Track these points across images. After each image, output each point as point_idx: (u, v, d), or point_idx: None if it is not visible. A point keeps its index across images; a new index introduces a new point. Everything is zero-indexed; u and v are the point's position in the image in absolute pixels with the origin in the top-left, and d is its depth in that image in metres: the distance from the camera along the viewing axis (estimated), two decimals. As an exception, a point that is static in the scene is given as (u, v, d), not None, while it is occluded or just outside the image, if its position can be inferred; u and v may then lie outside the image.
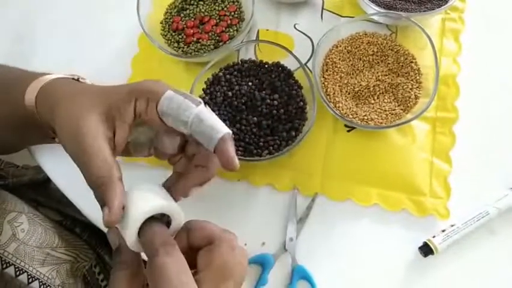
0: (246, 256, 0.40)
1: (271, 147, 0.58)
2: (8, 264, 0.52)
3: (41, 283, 0.54)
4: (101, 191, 0.38)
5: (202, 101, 0.41)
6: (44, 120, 0.45)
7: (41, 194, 0.68)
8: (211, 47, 0.65)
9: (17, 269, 0.52)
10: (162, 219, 0.39)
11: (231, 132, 0.41)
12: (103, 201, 0.38)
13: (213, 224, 0.40)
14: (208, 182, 0.44)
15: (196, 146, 0.44)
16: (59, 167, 0.63)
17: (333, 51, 0.63)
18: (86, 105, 0.41)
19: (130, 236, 0.37)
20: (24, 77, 0.48)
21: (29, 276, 0.53)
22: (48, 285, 0.54)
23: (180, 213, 0.40)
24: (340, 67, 0.62)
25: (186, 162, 0.45)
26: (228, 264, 0.37)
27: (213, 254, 0.37)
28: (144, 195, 0.39)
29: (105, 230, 0.60)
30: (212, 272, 0.37)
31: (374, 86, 0.61)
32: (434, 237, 0.55)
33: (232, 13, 0.67)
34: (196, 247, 0.39)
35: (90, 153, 0.39)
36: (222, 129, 0.40)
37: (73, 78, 0.50)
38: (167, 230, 0.39)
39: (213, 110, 0.59)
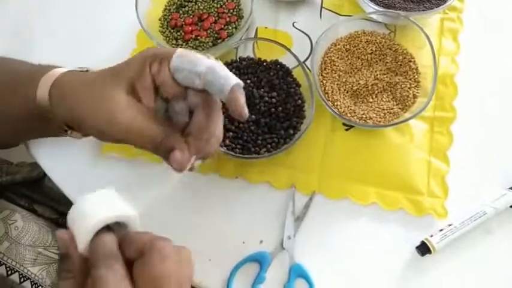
0: (187, 256, 0.38)
1: (269, 145, 0.58)
2: None
3: (32, 283, 0.53)
4: (164, 146, 0.41)
5: (211, 56, 0.42)
6: (60, 114, 0.45)
7: (36, 192, 0.68)
8: (210, 44, 0.65)
9: (8, 269, 0.52)
10: (120, 225, 0.38)
11: (242, 82, 0.42)
12: (168, 151, 0.41)
13: (145, 233, 0.38)
14: (207, 157, 0.45)
15: (202, 113, 0.44)
16: (56, 163, 0.62)
17: (331, 49, 0.63)
18: (108, 88, 0.42)
19: (82, 242, 0.36)
20: (32, 72, 0.48)
21: (21, 276, 0.53)
22: (40, 285, 0.54)
23: (135, 221, 0.38)
24: (338, 65, 0.62)
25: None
26: (158, 278, 0.35)
27: (144, 268, 0.35)
28: (101, 201, 0.37)
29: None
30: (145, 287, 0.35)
31: (372, 84, 0.61)
32: (431, 236, 0.55)
33: (231, 10, 0.67)
34: (132, 260, 0.37)
35: (137, 126, 0.41)
36: (234, 78, 0.41)
37: (81, 71, 0.50)
38: (114, 242, 0.36)
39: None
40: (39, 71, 0.47)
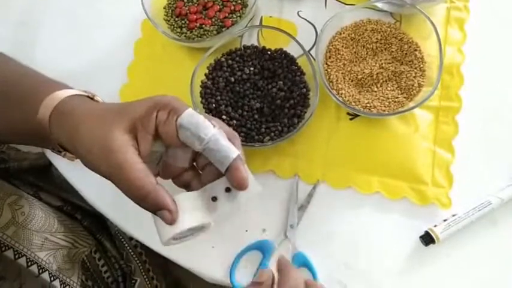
0: None
1: (272, 134, 0.57)
2: (6, 247, 0.52)
3: (39, 267, 0.54)
4: (150, 199, 0.40)
5: (217, 125, 0.42)
6: (57, 139, 0.44)
7: (42, 179, 0.68)
8: (214, 32, 0.64)
9: (15, 252, 0.52)
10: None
11: (241, 155, 0.42)
12: (156, 207, 0.40)
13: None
14: None
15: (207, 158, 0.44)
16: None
17: (336, 38, 0.63)
18: (109, 124, 0.41)
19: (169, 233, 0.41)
20: (36, 88, 0.47)
21: (28, 260, 0.53)
22: (46, 270, 0.54)
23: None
24: (343, 54, 0.62)
25: (193, 176, 0.46)
26: None
27: None
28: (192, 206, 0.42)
29: (107, 215, 0.60)
30: None
31: (377, 73, 0.61)
32: (435, 226, 0.55)
33: (236, -1, 0.67)
34: None
35: (128, 169, 0.40)
36: (234, 151, 0.41)
37: (88, 96, 0.48)
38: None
39: (215, 95, 0.59)
40: (43, 88, 0.46)
